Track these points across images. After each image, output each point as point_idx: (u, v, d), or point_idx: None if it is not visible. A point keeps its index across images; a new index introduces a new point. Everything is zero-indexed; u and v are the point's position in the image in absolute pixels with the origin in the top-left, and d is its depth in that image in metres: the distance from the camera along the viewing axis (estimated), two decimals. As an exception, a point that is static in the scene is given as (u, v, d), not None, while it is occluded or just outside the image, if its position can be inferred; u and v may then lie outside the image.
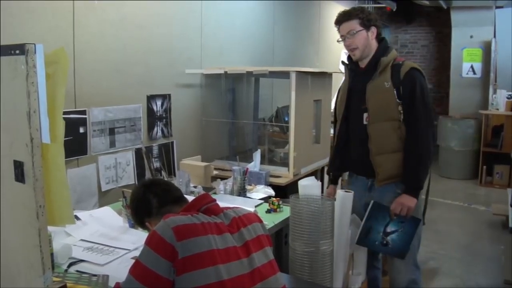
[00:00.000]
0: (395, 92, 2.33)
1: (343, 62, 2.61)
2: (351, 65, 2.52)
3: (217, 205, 1.56)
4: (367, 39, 2.39)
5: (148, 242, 1.38)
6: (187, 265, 1.33)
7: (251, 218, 1.60)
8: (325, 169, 4.07)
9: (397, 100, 2.33)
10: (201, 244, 1.36)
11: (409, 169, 2.34)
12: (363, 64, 2.45)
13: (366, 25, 2.38)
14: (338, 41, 2.51)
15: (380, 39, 2.45)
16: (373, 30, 2.40)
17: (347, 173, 2.72)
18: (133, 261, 1.43)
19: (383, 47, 2.42)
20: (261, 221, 1.63)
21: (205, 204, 1.53)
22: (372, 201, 2.36)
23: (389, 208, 2.35)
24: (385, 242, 2.38)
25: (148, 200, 1.65)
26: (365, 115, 2.40)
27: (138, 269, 1.36)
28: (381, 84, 2.35)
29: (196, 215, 1.45)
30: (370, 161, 2.40)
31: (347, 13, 2.43)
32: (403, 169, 2.36)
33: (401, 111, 2.34)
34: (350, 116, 2.53)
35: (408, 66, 2.36)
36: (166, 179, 2.76)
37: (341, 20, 2.43)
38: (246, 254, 1.47)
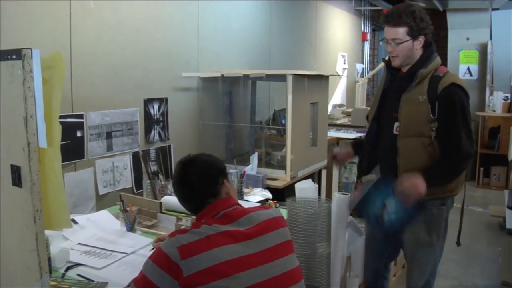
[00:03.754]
0: (429, 106, 2.16)
1: (384, 60, 2.42)
2: (391, 68, 2.34)
3: (238, 209, 1.54)
4: (411, 50, 2.21)
5: (153, 258, 1.41)
6: (193, 282, 1.35)
7: (281, 222, 1.57)
8: (322, 171, 4.09)
9: (431, 116, 2.15)
10: (206, 260, 1.37)
11: (439, 162, 2.16)
12: (404, 69, 2.29)
13: (415, 35, 2.19)
14: (380, 41, 2.40)
15: (426, 44, 2.25)
16: (421, 39, 2.20)
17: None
18: (130, 263, 1.44)
19: (425, 57, 2.23)
20: (286, 225, 1.60)
21: (224, 210, 1.52)
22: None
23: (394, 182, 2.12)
24: (381, 220, 2.21)
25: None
26: (396, 124, 2.25)
27: (143, 281, 1.40)
28: (416, 97, 2.18)
29: (205, 226, 1.45)
30: (397, 174, 2.23)
31: (397, 16, 2.18)
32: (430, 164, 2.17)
33: (433, 128, 2.17)
34: (381, 120, 2.37)
35: (448, 80, 2.17)
36: (162, 183, 2.77)
37: (389, 22, 2.22)
38: (264, 262, 1.44)
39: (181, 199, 1.64)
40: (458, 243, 2.51)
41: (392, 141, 2.25)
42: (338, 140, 4.67)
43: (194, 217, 1.61)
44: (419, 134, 2.20)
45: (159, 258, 1.39)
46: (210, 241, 1.40)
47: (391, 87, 2.34)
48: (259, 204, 2.72)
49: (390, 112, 2.29)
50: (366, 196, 2.19)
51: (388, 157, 2.27)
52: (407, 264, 2.48)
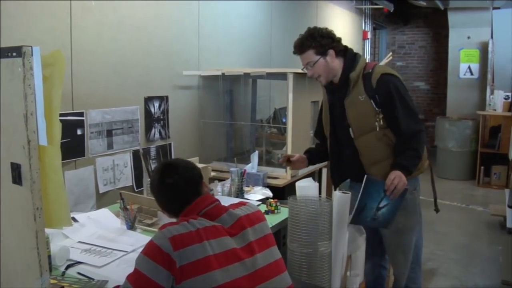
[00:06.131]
0: (372, 102, 2.33)
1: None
2: (327, 85, 2.50)
3: (218, 206, 1.57)
4: (327, 65, 2.38)
5: (145, 252, 1.41)
6: (184, 274, 1.36)
7: (260, 217, 1.62)
8: (323, 170, 4.08)
9: (376, 109, 2.33)
10: (197, 251, 1.39)
11: (400, 152, 2.32)
12: (335, 80, 2.44)
13: (322, 52, 2.37)
14: (302, 69, 2.51)
15: (344, 51, 2.42)
16: (331, 53, 2.37)
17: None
18: (130, 262, 1.43)
19: (349, 62, 2.39)
20: (265, 219, 1.65)
21: (205, 208, 1.54)
22: (365, 176, 2.26)
23: (383, 183, 2.26)
24: (375, 217, 2.32)
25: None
26: (351, 129, 2.40)
27: (136, 277, 1.39)
28: (356, 98, 2.35)
29: (192, 220, 1.46)
30: (365, 172, 2.36)
31: (300, 44, 2.43)
32: (395, 154, 2.34)
33: (381, 119, 2.33)
34: (337, 132, 2.51)
35: (378, 73, 2.34)
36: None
37: (296, 52, 2.46)
38: (248, 255, 1.48)
39: (165, 200, 1.65)
40: (436, 210, 2.68)
41: (352, 145, 2.42)
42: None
43: None
44: (371, 129, 2.36)
45: (151, 251, 1.39)
46: (200, 233, 1.42)
47: (334, 100, 2.50)
48: (259, 203, 2.72)
49: (342, 121, 2.44)
50: (360, 207, 2.28)
51: (352, 161, 2.43)
52: (390, 254, 2.59)
